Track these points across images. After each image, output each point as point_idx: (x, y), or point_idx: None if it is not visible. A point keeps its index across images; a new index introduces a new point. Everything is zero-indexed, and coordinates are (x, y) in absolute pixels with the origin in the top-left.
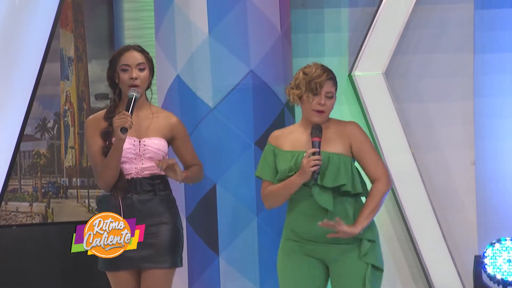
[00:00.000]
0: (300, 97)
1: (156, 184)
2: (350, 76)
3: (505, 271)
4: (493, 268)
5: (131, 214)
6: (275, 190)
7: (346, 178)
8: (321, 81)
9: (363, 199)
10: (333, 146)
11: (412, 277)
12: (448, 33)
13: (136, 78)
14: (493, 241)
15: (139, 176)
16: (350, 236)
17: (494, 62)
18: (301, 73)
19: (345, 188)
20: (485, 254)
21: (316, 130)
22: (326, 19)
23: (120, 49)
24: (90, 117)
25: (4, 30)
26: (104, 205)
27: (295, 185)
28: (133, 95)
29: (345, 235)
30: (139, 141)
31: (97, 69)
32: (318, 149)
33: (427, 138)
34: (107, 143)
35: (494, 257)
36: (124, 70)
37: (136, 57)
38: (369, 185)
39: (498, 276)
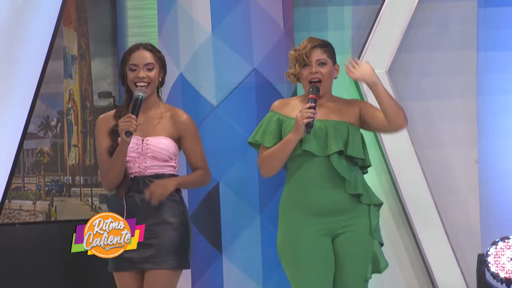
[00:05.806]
0: (297, 76)
1: None
2: None
3: (508, 270)
4: (497, 266)
5: (133, 213)
6: (271, 152)
7: (363, 152)
8: (306, 51)
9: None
10: (346, 115)
11: (415, 276)
12: (451, 31)
13: (142, 78)
14: (497, 240)
15: (142, 175)
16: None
17: (498, 60)
18: (291, 52)
19: (362, 163)
20: (488, 253)
21: (313, 89)
22: (329, 17)
23: (130, 47)
24: (102, 115)
25: (7, 28)
26: (113, 204)
27: (291, 143)
28: (139, 95)
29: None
30: (142, 140)
31: (100, 67)
32: (313, 104)
33: (430, 136)
34: (114, 142)
35: (498, 255)
36: (132, 70)
37: (145, 56)
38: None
39: (502, 275)
